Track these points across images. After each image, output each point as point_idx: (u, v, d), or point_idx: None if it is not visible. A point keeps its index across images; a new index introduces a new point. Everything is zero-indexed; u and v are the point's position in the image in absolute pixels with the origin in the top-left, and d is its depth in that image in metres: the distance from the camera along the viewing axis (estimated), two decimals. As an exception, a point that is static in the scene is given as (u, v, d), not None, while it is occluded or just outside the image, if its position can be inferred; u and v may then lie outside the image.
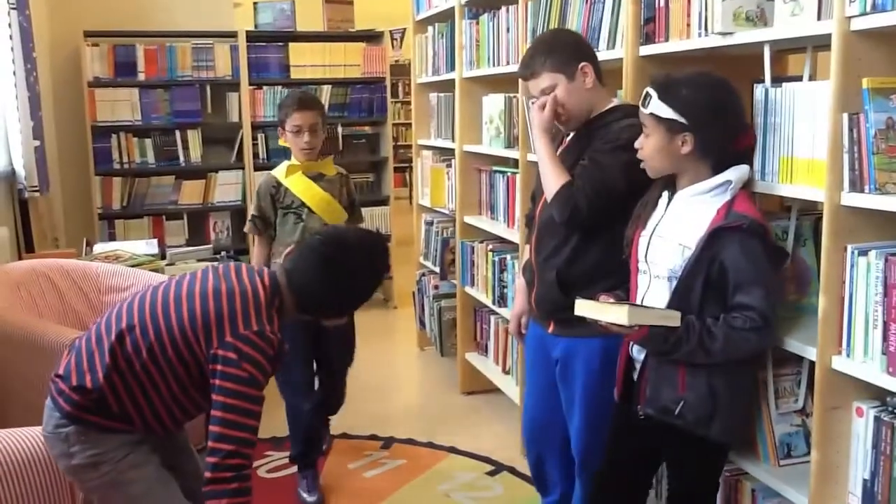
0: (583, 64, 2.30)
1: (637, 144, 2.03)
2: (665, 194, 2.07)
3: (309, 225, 3.11)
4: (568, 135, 2.43)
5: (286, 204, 3.12)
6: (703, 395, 1.95)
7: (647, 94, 1.98)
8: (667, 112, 1.94)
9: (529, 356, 2.67)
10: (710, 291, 1.91)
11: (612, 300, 2.07)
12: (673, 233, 2.00)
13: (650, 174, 2.05)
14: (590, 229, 2.27)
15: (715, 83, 1.96)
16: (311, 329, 3.01)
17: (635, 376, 2.11)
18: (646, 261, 2.06)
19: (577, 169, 2.26)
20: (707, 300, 1.92)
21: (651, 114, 1.97)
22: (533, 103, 2.38)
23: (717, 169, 1.97)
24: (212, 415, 1.88)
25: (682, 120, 1.93)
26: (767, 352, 2.09)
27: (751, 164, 2.01)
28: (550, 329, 2.45)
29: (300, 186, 3.12)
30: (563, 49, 2.32)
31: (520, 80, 2.42)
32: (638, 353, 2.10)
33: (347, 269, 2.06)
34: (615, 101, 2.38)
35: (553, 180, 2.27)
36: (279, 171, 3.18)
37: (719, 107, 1.94)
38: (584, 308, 1.96)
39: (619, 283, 2.18)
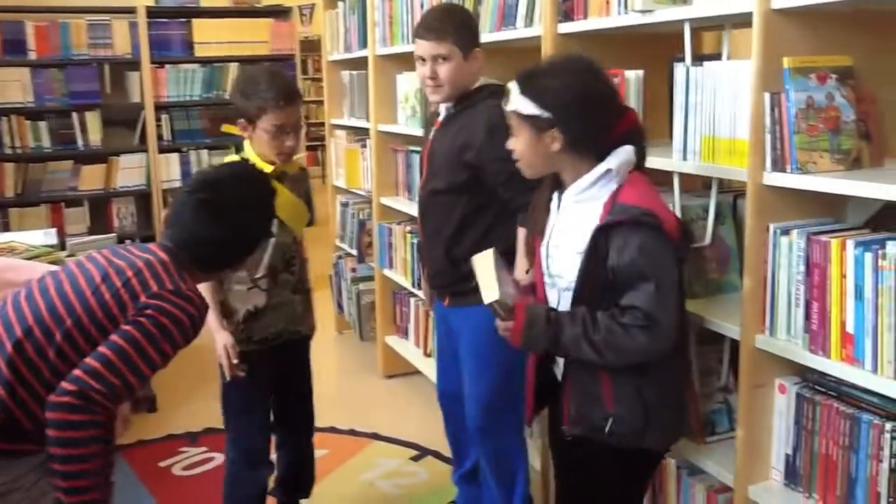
0: (477, 49, 2.37)
1: (509, 145, 1.86)
2: (555, 197, 1.90)
3: (280, 240, 2.40)
4: (438, 114, 2.51)
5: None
6: (632, 405, 1.77)
7: (507, 90, 1.81)
8: (528, 108, 1.76)
9: (437, 330, 2.76)
10: (610, 297, 1.72)
11: (511, 280, 1.91)
12: (567, 240, 1.82)
13: (527, 175, 1.88)
14: (479, 203, 2.36)
15: (577, 69, 1.77)
16: (268, 383, 2.55)
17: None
18: (549, 274, 1.89)
19: (500, 186, 2.27)
20: (609, 308, 1.73)
21: (514, 111, 1.79)
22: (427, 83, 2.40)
23: (601, 159, 1.78)
24: (97, 350, 1.67)
25: (546, 114, 1.74)
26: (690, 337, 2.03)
27: (639, 146, 1.82)
28: (447, 302, 2.54)
29: None
30: (470, 30, 2.40)
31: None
32: (556, 369, 1.94)
33: (232, 205, 1.90)
34: (482, 80, 2.42)
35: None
36: None
37: (585, 95, 1.74)
38: (480, 263, 1.86)
39: (506, 253, 2.09)
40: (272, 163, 2.38)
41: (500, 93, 2.28)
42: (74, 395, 1.63)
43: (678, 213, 2.11)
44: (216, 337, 2.37)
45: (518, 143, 1.83)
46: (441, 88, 2.38)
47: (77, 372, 1.66)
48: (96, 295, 1.74)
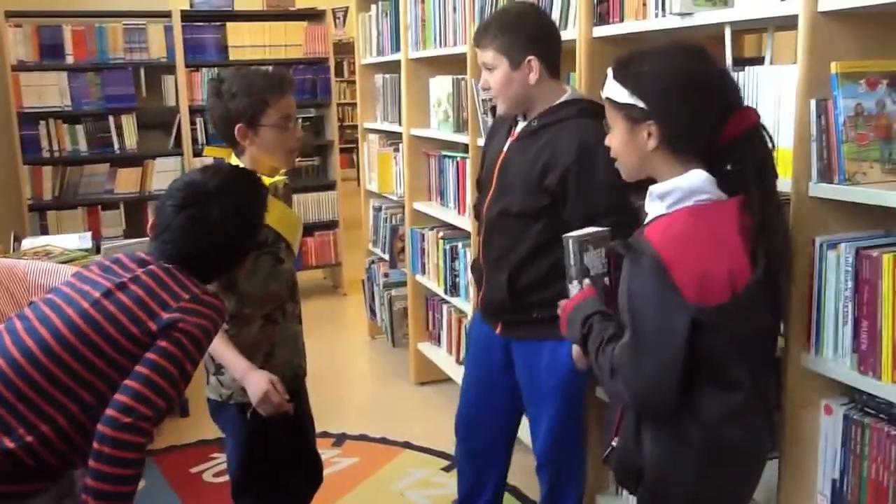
0: (530, 57, 2.11)
1: (607, 141, 1.66)
2: None
3: (287, 266, 2.18)
4: (515, 124, 2.27)
5: (257, 241, 2.00)
6: (629, 442, 1.60)
7: (606, 75, 1.63)
8: (622, 95, 1.54)
9: (472, 351, 2.55)
10: None
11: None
12: None
13: (625, 177, 1.65)
14: (556, 230, 2.09)
15: (679, 52, 1.55)
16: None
17: None
18: None
19: (575, 222, 2.02)
20: None
21: (608, 99, 1.60)
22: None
23: (710, 166, 1.53)
24: (137, 372, 1.60)
25: (641, 104, 1.52)
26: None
27: (754, 158, 1.51)
28: (498, 330, 2.34)
29: (275, 212, 2.02)
30: (518, 32, 2.12)
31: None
32: None
33: (226, 218, 1.77)
34: (568, 93, 2.20)
35: None
36: None
37: (685, 83, 1.50)
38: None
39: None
40: (272, 172, 2.15)
41: (594, 111, 2.06)
42: (130, 430, 1.56)
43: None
44: (250, 380, 2.02)
45: (614, 139, 1.61)
46: (497, 100, 2.20)
47: (125, 399, 1.58)
48: (97, 306, 1.65)
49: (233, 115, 2.08)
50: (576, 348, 1.97)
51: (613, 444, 1.66)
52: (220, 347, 2.02)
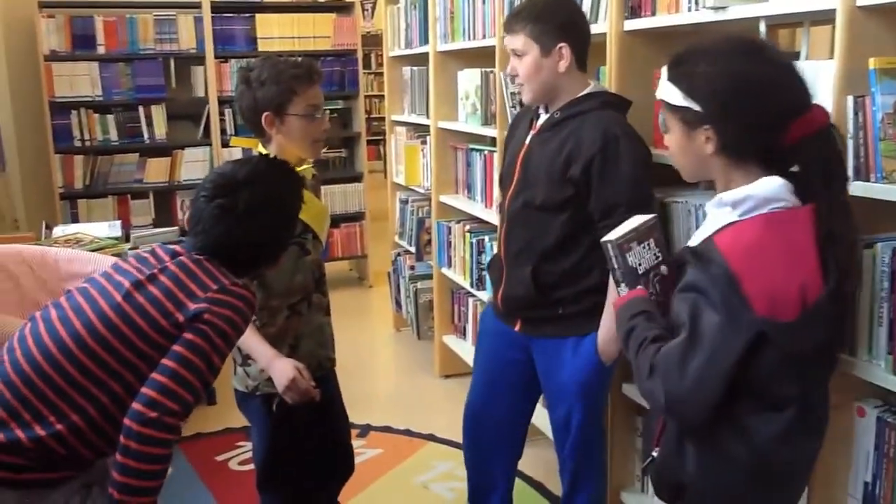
0: (562, 45, 2.11)
1: (665, 142, 1.57)
2: None
3: (315, 258, 2.20)
4: (537, 116, 2.26)
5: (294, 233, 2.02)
6: (671, 454, 1.53)
7: (662, 73, 1.54)
8: (676, 97, 1.46)
9: (484, 348, 2.50)
10: None
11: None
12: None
13: (684, 178, 1.58)
14: (581, 222, 2.12)
15: (738, 50, 1.44)
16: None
17: None
18: None
19: (597, 213, 2.07)
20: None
21: (662, 101, 1.51)
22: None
23: (771, 170, 1.43)
24: (164, 365, 1.60)
25: (696, 107, 1.43)
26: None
27: (815, 161, 1.41)
28: (518, 327, 2.32)
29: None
30: (550, 20, 2.11)
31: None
32: None
33: (256, 207, 1.75)
34: (591, 86, 2.19)
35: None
36: None
37: (742, 85, 1.40)
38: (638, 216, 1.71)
39: (602, 279, 1.98)
40: (298, 162, 2.13)
41: (618, 105, 2.11)
42: (156, 425, 1.56)
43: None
44: (276, 368, 2.03)
45: (671, 141, 1.53)
46: (523, 87, 2.18)
47: (151, 393, 1.58)
48: (128, 299, 1.65)
49: (261, 103, 2.08)
50: (601, 341, 1.95)
51: (654, 454, 1.62)
52: (246, 336, 2.01)
